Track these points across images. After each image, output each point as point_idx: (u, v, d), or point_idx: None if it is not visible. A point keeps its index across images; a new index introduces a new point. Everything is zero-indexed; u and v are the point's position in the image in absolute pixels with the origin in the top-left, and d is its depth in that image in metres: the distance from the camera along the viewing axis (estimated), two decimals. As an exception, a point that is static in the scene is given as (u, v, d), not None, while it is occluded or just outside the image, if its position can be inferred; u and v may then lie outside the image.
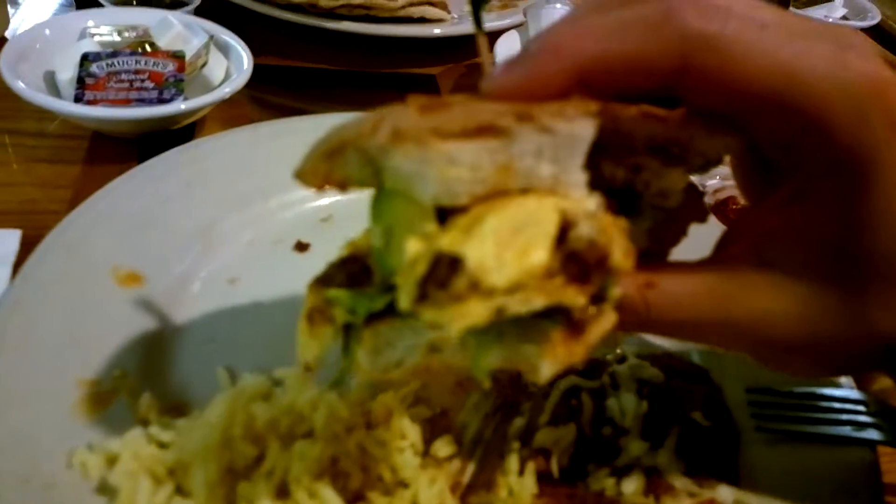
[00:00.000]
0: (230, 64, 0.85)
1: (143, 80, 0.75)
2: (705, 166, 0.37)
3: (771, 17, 0.32)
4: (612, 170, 0.35)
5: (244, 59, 0.83)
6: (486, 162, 0.29)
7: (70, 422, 0.46)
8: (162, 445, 0.45)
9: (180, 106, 0.73)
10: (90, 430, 0.46)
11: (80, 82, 0.74)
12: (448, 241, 0.28)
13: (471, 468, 0.49)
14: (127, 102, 0.74)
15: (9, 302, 0.51)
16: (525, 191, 0.30)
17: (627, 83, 0.32)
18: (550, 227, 0.29)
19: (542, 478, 0.48)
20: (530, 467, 0.48)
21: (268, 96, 0.96)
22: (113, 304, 0.54)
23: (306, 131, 0.76)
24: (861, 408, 0.53)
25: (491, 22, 1.08)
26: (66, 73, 0.76)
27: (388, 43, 1.05)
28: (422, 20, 1.05)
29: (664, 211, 0.37)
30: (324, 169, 0.33)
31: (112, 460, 0.44)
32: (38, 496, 0.41)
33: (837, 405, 0.53)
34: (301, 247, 0.65)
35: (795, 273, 0.34)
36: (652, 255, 0.38)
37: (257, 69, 0.84)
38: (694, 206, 0.38)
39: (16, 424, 0.44)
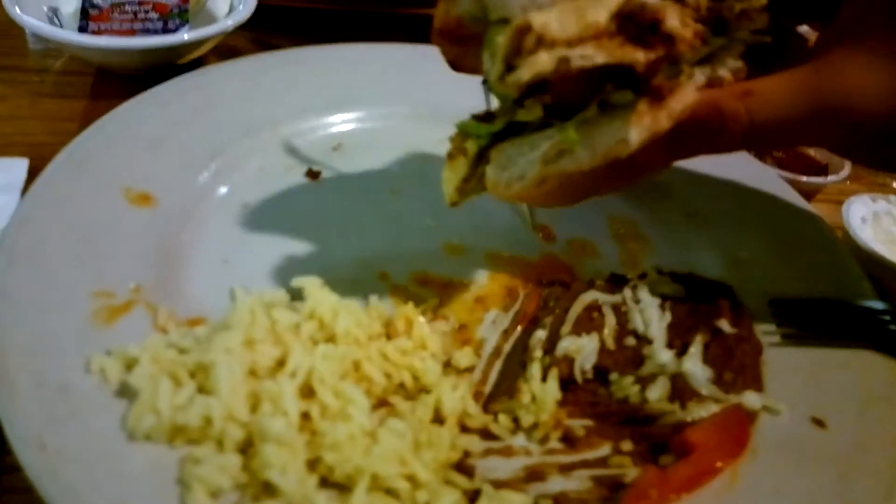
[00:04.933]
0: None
1: (147, 12, 0.73)
2: None
3: None
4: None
5: (249, -6, 0.82)
6: None
7: (86, 330, 0.45)
8: (182, 351, 0.44)
9: (184, 36, 0.71)
10: (107, 339, 0.45)
11: (84, 14, 0.73)
12: (521, 19, 0.35)
13: (492, 378, 0.49)
14: (132, 33, 0.72)
15: (18, 219, 0.50)
16: None
17: None
18: (612, 2, 0.36)
19: (565, 386, 0.47)
20: (553, 373, 0.47)
21: (273, 40, 0.94)
22: (125, 222, 0.53)
23: (311, 61, 0.76)
24: (887, 318, 0.52)
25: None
26: (70, 7, 0.75)
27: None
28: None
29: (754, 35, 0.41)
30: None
31: (131, 365, 0.43)
32: (53, 399, 0.40)
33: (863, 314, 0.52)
34: (312, 174, 0.64)
35: (887, 41, 0.35)
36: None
37: (264, 12, 0.82)
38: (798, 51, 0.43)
39: (31, 332, 0.43)
